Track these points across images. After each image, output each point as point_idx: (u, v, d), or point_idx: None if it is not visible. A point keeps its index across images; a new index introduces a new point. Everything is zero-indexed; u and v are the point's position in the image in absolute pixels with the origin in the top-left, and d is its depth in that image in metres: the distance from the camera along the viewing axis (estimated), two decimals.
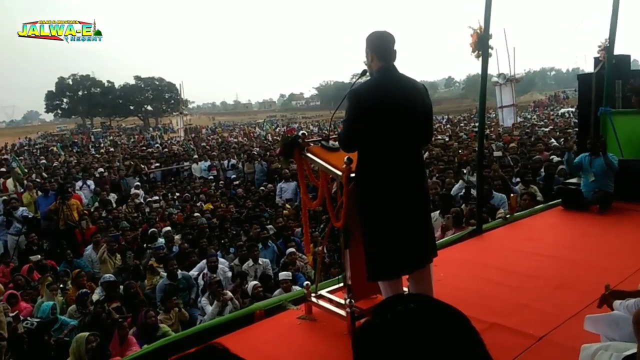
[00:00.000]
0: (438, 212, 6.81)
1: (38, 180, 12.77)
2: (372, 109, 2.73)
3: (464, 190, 7.78)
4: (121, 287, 6.25)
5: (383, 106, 2.74)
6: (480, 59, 5.06)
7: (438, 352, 0.86)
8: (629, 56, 7.44)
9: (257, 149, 18.25)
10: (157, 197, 11.71)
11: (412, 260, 2.90)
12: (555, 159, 10.23)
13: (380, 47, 2.87)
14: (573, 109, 27.94)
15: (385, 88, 2.79)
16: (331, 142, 3.34)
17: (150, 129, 55.49)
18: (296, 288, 5.40)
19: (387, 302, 1.01)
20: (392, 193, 2.79)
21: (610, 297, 2.34)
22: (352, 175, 2.93)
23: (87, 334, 4.60)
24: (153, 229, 8.31)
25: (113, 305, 5.71)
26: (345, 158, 2.91)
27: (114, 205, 10.80)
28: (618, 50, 6.76)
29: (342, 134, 2.85)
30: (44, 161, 21.13)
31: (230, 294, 5.71)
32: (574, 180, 6.32)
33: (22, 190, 11.20)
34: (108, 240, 7.70)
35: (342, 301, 3.23)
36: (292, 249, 6.84)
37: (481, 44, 5.02)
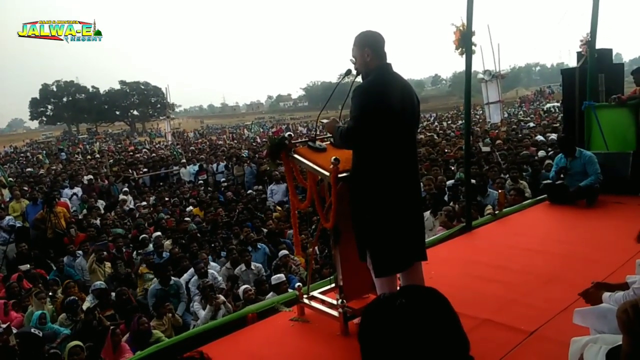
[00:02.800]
0: (429, 212, 6.80)
1: (26, 189, 12.62)
2: (382, 106, 2.74)
3: (452, 187, 7.80)
4: (113, 294, 6.20)
5: (391, 103, 2.76)
6: (464, 56, 5.08)
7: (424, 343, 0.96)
8: (610, 50, 7.52)
9: (246, 151, 18.19)
10: (145, 203, 11.62)
11: (415, 252, 2.97)
12: (541, 154, 10.33)
13: (378, 45, 2.88)
14: (559, 104, 28.24)
15: (390, 86, 2.82)
16: (317, 142, 3.34)
17: (136, 134, 55.09)
18: (290, 290, 5.40)
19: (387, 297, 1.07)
20: (396, 188, 2.82)
21: (597, 290, 2.37)
22: (340, 175, 2.94)
23: (75, 343, 4.57)
24: (144, 235, 8.25)
25: (107, 313, 5.67)
26: (332, 158, 2.91)
27: (102, 211, 10.70)
28: (600, 44, 6.84)
29: (352, 129, 2.79)
30: (29, 169, 20.89)
31: (222, 297, 5.69)
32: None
33: (8, 199, 11.08)
34: (96, 249, 7.62)
35: (334, 302, 3.23)
36: (284, 251, 6.81)
37: (464, 41, 5.05)
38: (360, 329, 1.07)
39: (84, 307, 5.86)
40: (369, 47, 2.86)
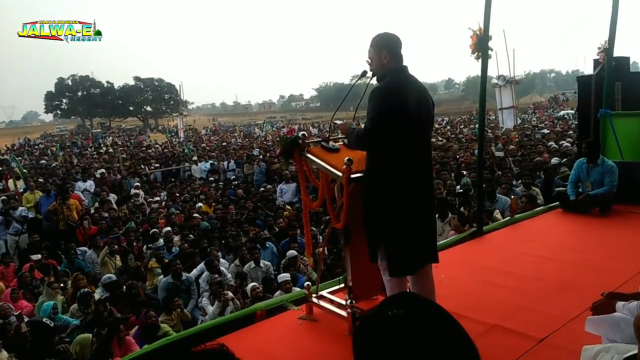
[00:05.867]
0: (437, 216, 6.75)
1: (40, 180, 12.76)
2: (399, 109, 2.74)
3: (462, 193, 7.76)
4: (124, 287, 6.25)
5: (408, 106, 2.77)
6: (480, 60, 5.06)
7: (430, 356, 0.89)
8: (628, 58, 7.45)
9: (257, 149, 18.25)
10: (158, 198, 11.69)
11: (427, 253, 2.97)
12: (554, 161, 10.23)
13: (396, 48, 2.89)
14: (573, 111, 27.95)
15: (406, 89, 2.82)
16: (331, 143, 3.34)
17: (148, 130, 55.40)
18: (296, 289, 5.41)
19: (387, 302, 1.04)
20: (411, 190, 2.83)
21: (609, 300, 2.35)
22: (353, 176, 2.94)
23: (90, 335, 4.60)
24: (154, 230, 8.31)
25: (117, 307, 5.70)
26: (345, 159, 2.92)
27: (114, 206, 10.78)
28: (617, 52, 6.77)
29: (369, 131, 2.80)
30: (43, 161, 21.12)
31: (231, 294, 5.72)
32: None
33: (21, 189, 11.21)
34: (109, 242, 7.69)
35: (343, 302, 3.24)
36: (294, 251, 6.79)
37: (481, 46, 5.02)
38: (354, 343, 1.01)
39: (95, 297, 5.92)
40: (387, 49, 2.86)
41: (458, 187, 8.56)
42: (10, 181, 11.94)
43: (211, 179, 14.09)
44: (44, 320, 4.88)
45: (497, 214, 6.58)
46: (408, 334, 0.92)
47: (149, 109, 70.86)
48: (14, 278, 6.92)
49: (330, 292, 3.59)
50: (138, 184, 12.86)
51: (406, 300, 1.02)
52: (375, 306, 1.06)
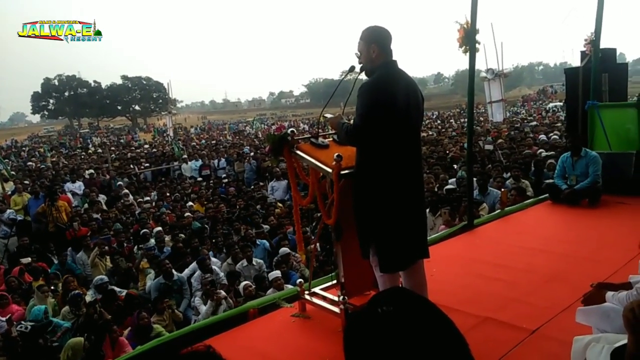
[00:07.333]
0: (427, 210, 6.77)
1: (26, 182, 12.63)
2: (388, 104, 2.72)
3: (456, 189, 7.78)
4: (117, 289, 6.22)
5: (397, 101, 2.75)
6: (468, 54, 5.07)
7: (420, 352, 0.89)
8: (614, 49, 7.49)
9: (248, 147, 18.19)
10: (148, 198, 11.62)
11: (418, 249, 2.97)
12: (544, 153, 10.30)
13: (385, 42, 2.86)
14: (561, 103, 28.16)
15: (396, 84, 2.80)
16: (320, 139, 3.33)
17: (137, 129, 54.96)
18: (289, 286, 5.40)
19: (377, 298, 1.03)
20: (401, 185, 2.82)
21: (598, 290, 2.36)
22: (343, 172, 2.93)
23: (82, 339, 4.57)
24: (145, 230, 8.25)
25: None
26: (335, 155, 2.90)
27: (104, 206, 10.70)
28: (604, 44, 6.81)
29: (358, 126, 2.78)
30: (31, 163, 20.90)
31: (224, 293, 5.70)
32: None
33: (9, 192, 11.09)
34: (99, 243, 7.63)
35: (336, 298, 3.23)
36: (286, 249, 6.78)
37: (468, 39, 5.03)
38: (345, 341, 1.00)
39: (86, 299, 5.87)
40: (376, 44, 2.84)
41: (452, 180, 8.59)
42: None
43: (201, 178, 14.01)
44: (19, 327, 4.81)
45: (483, 210, 6.61)
46: (398, 331, 0.91)
47: (137, 108, 70.32)
48: (3, 282, 6.83)
49: (322, 289, 3.58)
50: (122, 183, 12.76)
51: (396, 297, 1.01)
52: (365, 303, 1.05)
